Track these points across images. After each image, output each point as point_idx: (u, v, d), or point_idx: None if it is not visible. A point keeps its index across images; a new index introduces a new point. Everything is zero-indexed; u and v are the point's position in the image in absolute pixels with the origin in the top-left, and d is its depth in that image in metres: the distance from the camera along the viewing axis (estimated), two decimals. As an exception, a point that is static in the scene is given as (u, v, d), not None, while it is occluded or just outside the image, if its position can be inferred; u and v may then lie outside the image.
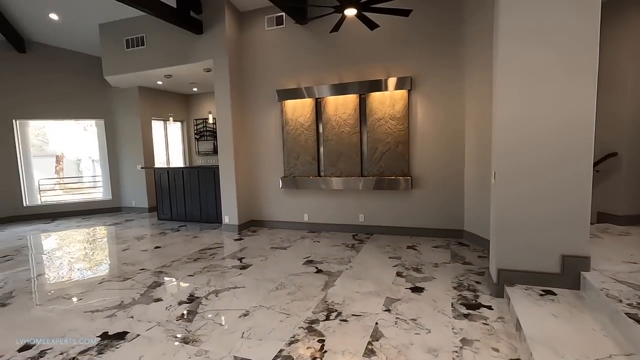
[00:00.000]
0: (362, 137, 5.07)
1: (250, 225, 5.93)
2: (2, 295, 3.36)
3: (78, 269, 4.09)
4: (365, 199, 5.20)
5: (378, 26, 4.07)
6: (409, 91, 4.78)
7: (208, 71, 6.19)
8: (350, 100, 5.04)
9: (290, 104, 5.38)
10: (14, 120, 7.04)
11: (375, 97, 4.89)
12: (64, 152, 13.21)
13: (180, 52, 5.74)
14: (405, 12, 3.75)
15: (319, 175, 5.36)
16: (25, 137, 7.38)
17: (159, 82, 7.26)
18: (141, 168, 7.30)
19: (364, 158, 5.09)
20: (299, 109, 5.34)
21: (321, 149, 5.33)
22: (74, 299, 3.18)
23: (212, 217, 6.27)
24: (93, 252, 4.81)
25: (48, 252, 4.86)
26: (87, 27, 6.36)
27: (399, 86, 4.74)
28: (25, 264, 4.30)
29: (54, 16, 6.07)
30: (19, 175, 7.14)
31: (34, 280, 3.72)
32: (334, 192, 5.34)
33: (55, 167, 13.39)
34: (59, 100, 7.29)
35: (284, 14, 5.31)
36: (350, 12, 3.63)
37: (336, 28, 4.09)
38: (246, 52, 5.68)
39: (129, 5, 4.56)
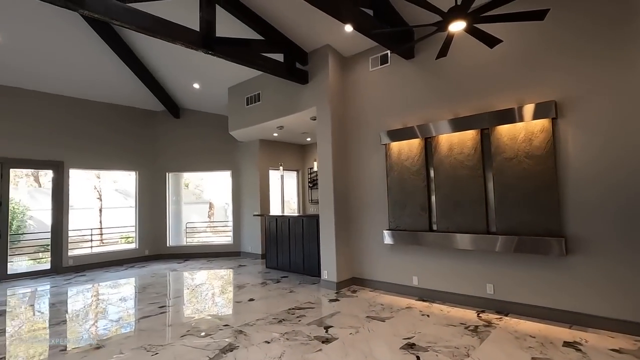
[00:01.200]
0: (485, 182, 3.96)
1: (351, 283, 5.23)
2: (106, 338, 3.55)
3: (173, 316, 4.14)
4: (494, 263, 3.92)
5: (500, 41, 3.16)
6: (554, 120, 3.54)
7: (314, 119, 6.17)
8: (468, 138, 4.07)
9: (395, 146, 4.73)
10: (167, 173, 8.47)
11: (502, 131, 3.81)
12: (213, 199, 15.71)
13: (288, 103, 5.90)
14: (539, 15, 2.79)
15: (431, 230, 4.38)
16: (177, 186, 8.77)
17: (275, 134, 7.69)
18: (254, 215, 7.63)
19: (489, 209, 3.92)
20: (405, 151, 4.63)
21: (432, 198, 4.39)
22: (151, 354, 3.07)
23: (313, 269, 5.85)
24: (195, 298, 4.93)
25: (163, 294, 5.20)
26: (220, 92, 7.33)
27: (538, 115, 3.57)
28: (141, 304, 4.64)
29: (196, 85, 7.23)
30: (166, 219, 8.40)
31: (135, 324, 3.88)
32: (450, 251, 4.24)
33: (208, 212, 15.97)
34: (199, 155, 8.47)
35: (388, 52, 4.90)
36: (458, 26, 2.89)
37: (443, 52, 3.37)
38: (349, 96, 5.42)
39: (250, 67, 5.00)
